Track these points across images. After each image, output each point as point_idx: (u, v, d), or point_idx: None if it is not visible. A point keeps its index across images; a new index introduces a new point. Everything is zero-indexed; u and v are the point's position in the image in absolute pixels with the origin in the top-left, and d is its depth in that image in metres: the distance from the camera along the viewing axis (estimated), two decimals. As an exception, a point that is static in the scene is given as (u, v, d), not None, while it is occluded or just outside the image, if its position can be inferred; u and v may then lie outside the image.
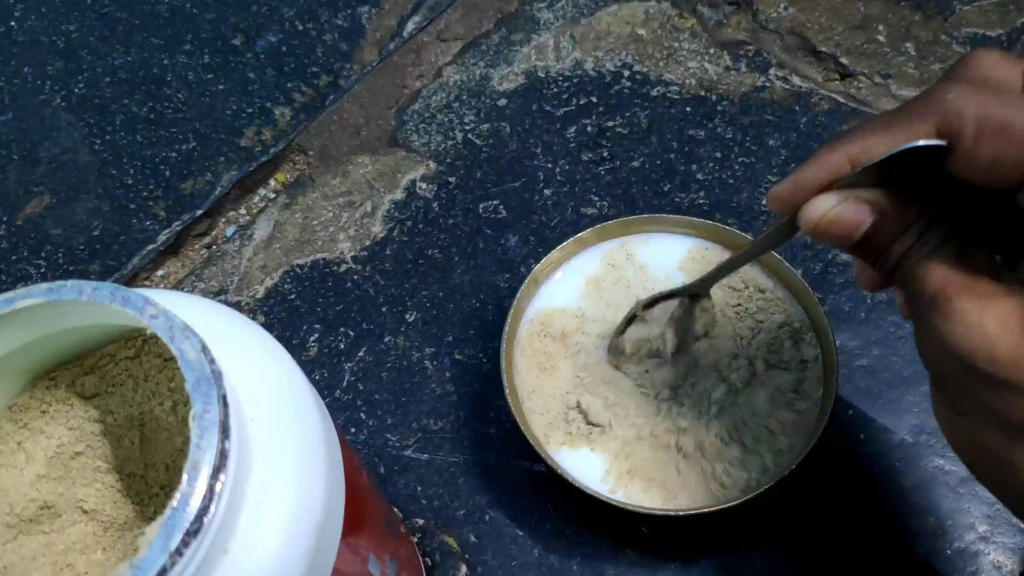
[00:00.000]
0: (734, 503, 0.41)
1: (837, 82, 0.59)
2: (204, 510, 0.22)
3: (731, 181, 0.55)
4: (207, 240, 0.57)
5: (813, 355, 0.46)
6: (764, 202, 0.54)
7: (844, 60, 0.59)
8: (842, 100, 0.58)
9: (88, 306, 0.25)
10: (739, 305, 0.47)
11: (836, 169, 0.31)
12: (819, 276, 0.52)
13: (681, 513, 0.41)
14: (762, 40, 0.61)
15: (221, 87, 0.62)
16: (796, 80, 0.59)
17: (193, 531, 0.22)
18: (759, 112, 0.58)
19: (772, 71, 0.59)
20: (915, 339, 0.31)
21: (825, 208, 0.31)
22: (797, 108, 0.58)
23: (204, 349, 0.24)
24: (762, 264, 0.48)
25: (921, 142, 0.29)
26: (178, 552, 0.21)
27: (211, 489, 0.22)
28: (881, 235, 0.31)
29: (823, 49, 0.60)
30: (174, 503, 0.22)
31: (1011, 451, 0.28)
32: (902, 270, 0.31)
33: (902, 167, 0.30)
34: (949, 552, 0.44)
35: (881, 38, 0.60)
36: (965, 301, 0.28)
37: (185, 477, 0.22)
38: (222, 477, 0.23)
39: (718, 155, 0.56)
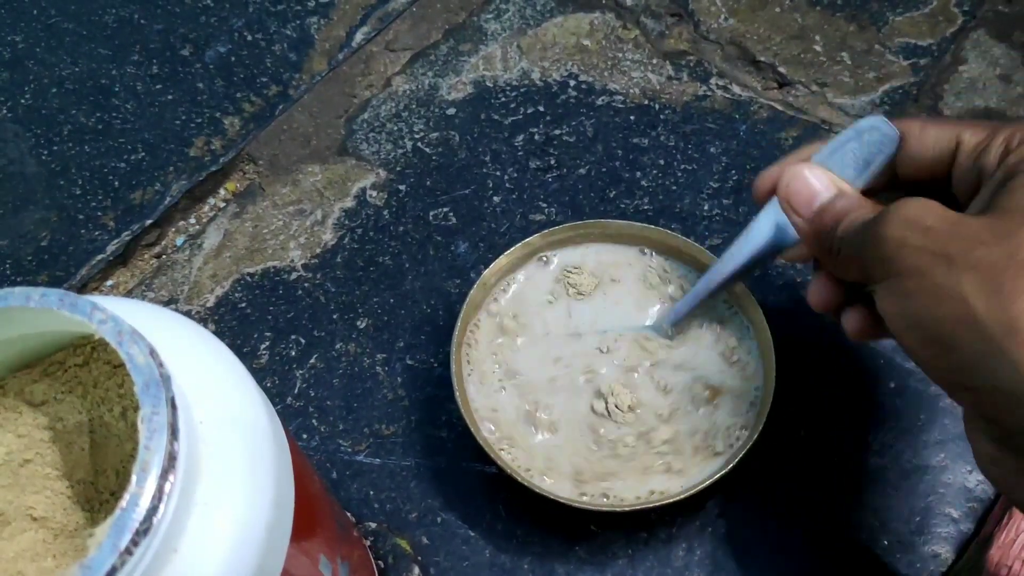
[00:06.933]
0: (675, 499, 0.42)
1: (775, 91, 0.61)
2: (153, 510, 0.23)
3: (674, 187, 0.57)
4: (157, 250, 0.57)
5: (754, 357, 0.47)
6: (706, 207, 0.56)
7: (782, 69, 0.61)
8: (780, 108, 0.59)
9: (36, 312, 0.25)
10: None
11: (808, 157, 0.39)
12: (759, 278, 0.53)
13: (626, 509, 0.42)
14: (703, 50, 0.62)
15: (170, 97, 0.62)
16: (736, 89, 0.61)
17: (143, 531, 0.22)
18: (700, 120, 0.59)
19: (713, 80, 0.61)
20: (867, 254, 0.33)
21: (797, 171, 0.37)
22: (737, 116, 0.59)
23: (152, 353, 0.24)
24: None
25: (878, 115, 0.37)
26: (128, 552, 0.22)
27: (160, 490, 0.23)
28: (838, 207, 0.36)
29: (762, 59, 0.62)
30: (123, 504, 0.22)
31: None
32: (853, 234, 0.35)
33: (855, 155, 0.38)
34: (887, 543, 0.46)
35: (818, 48, 0.62)
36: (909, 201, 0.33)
37: (134, 478, 0.23)
38: (171, 478, 0.23)
39: (661, 162, 0.58)
